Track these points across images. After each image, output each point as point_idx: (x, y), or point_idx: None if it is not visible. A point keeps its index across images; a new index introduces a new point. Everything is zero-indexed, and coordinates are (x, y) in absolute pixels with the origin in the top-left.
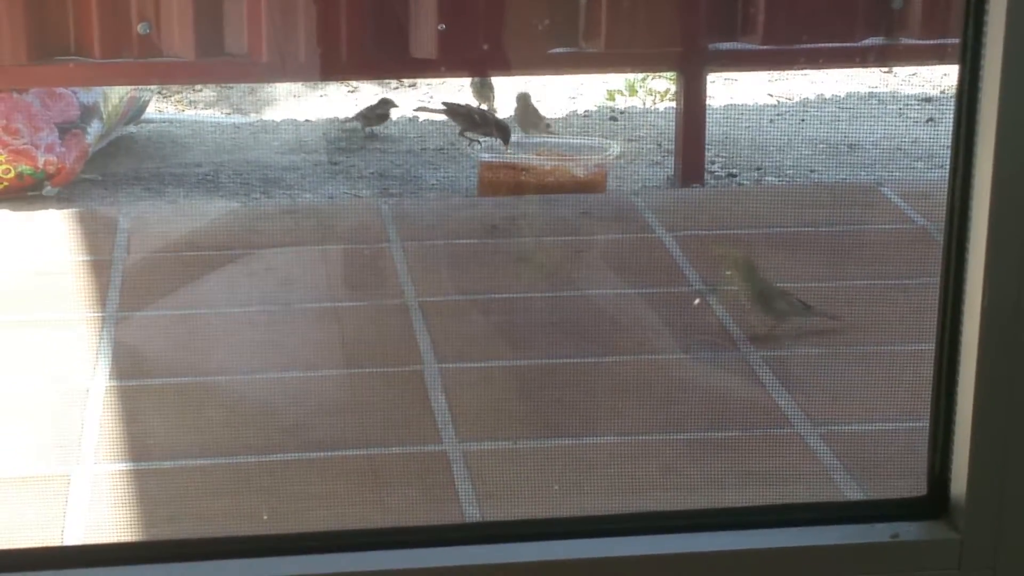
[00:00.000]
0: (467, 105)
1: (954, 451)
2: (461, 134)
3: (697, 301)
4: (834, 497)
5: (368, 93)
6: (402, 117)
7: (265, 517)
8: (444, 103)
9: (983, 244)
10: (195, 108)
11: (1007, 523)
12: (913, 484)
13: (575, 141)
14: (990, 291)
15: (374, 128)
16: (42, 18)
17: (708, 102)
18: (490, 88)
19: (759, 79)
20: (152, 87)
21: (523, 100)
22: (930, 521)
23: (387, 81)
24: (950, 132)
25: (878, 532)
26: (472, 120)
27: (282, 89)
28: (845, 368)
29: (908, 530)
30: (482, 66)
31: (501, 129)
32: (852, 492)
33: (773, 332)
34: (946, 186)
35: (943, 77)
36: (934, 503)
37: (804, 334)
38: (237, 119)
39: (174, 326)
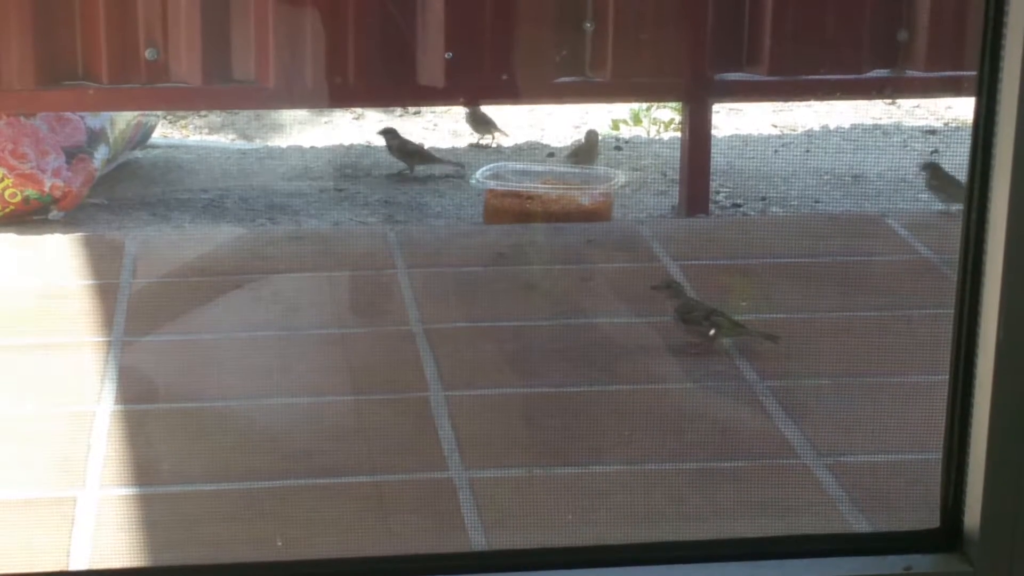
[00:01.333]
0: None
1: (968, 483)
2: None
3: (712, 332)
4: (840, 528)
5: (373, 119)
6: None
7: (279, 543)
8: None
9: (999, 278)
10: (201, 134)
11: (1021, 556)
12: (925, 516)
13: (580, 170)
14: (1006, 324)
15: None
16: (50, 43)
17: (713, 132)
18: (483, 118)
19: (764, 110)
20: (158, 112)
21: (591, 137)
22: (943, 554)
23: (392, 108)
24: (957, 164)
25: (891, 564)
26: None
27: (288, 115)
28: (851, 399)
29: (921, 563)
30: (488, 94)
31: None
32: (858, 523)
33: (704, 345)
34: (951, 217)
35: (947, 109)
36: (947, 536)
37: (742, 349)
38: (243, 145)
39: (180, 351)
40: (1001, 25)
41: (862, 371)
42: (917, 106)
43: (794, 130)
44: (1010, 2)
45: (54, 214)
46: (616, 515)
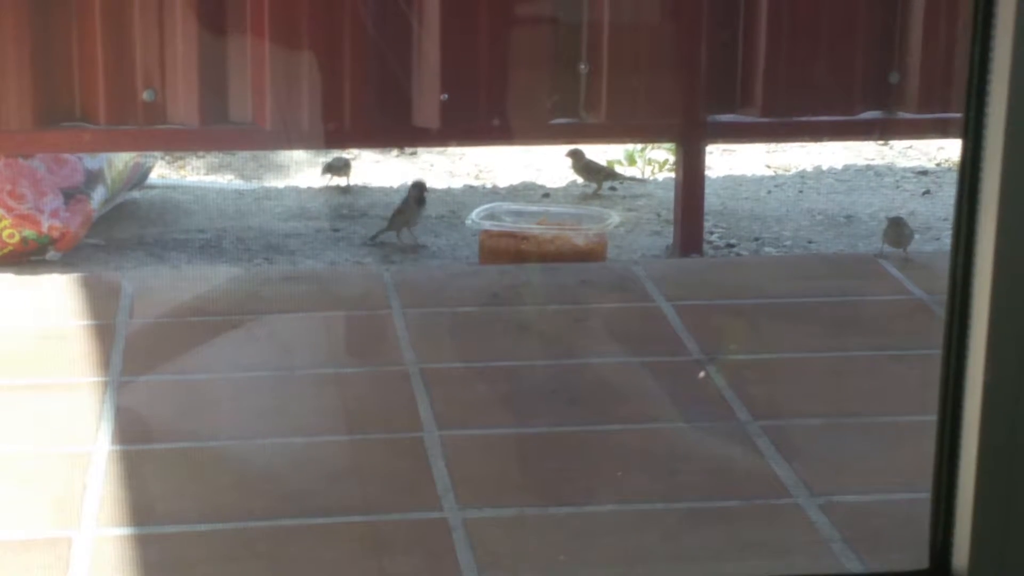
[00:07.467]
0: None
1: (956, 524)
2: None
3: (703, 374)
4: (832, 568)
5: (368, 160)
6: (403, 185)
7: None
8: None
9: (985, 319)
10: (198, 174)
11: None
12: (914, 557)
13: (575, 210)
14: (992, 366)
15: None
16: (48, 84)
17: (707, 173)
18: (339, 164)
19: (757, 151)
20: (156, 153)
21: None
22: None
23: (388, 149)
24: (948, 205)
25: None
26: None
27: (284, 156)
28: (843, 439)
29: None
30: (484, 135)
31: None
32: (851, 563)
33: None
34: (943, 258)
35: (939, 150)
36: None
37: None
38: (240, 186)
39: (176, 391)
40: (987, 70)
41: (854, 411)
42: (909, 147)
43: (787, 171)
44: (995, 48)
45: (52, 255)
46: (610, 555)
